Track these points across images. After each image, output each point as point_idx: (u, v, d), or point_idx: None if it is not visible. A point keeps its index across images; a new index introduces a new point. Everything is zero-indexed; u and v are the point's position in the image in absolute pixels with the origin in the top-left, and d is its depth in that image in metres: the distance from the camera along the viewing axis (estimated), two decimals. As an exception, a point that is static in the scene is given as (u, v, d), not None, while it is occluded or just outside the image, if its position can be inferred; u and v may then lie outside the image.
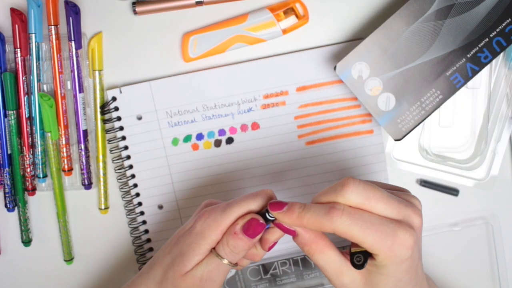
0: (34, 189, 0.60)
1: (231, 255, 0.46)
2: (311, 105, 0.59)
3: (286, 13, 0.57)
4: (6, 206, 0.60)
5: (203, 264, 0.47)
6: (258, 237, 0.46)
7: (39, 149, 0.59)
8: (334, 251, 0.45)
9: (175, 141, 0.60)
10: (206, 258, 0.47)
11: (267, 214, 0.46)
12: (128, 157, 0.60)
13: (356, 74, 0.54)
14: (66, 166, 0.59)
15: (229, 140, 0.60)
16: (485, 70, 0.58)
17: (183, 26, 0.58)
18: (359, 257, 0.44)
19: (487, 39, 0.53)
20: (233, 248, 0.46)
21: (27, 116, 0.58)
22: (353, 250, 0.44)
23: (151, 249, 0.61)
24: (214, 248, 0.47)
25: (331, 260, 0.45)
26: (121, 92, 0.59)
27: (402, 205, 0.44)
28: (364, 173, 0.60)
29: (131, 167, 0.60)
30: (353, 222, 0.42)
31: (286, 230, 0.46)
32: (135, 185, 0.60)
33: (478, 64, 0.53)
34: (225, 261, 0.46)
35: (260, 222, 0.46)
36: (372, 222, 0.42)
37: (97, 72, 0.58)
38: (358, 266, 0.44)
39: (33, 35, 0.57)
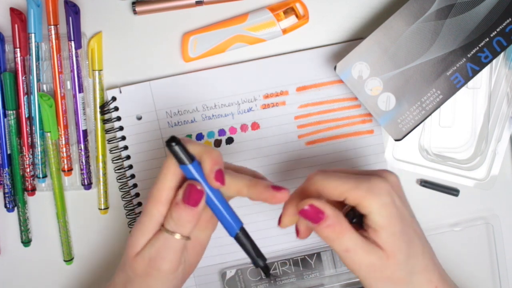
0: (33, 189, 0.60)
1: (178, 228, 0.44)
2: (311, 105, 0.59)
3: (286, 13, 0.57)
4: (5, 206, 0.60)
5: (151, 243, 0.45)
6: (201, 205, 0.43)
7: (38, 149, 0.59)
8: (357, 232, 0.45)
9: (175, 141, 0.60)
10: (154, 236, 0.45)
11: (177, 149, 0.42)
12: (128, 157, 0.60)
13: (356, 74, 0.54)
14: (65, 166, 0.59)
15: (229, 140, 0.60)
16: (486, 70, 0.58)
17: (183, 26, 0.58)
18: (349, 214, 0.46)
19: (487, 39, 0.53)
20: (177, 220, 0.43)
21: (26, 116, 0.58)
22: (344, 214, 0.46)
23: (151, 249, 0.61)
24: (163, 225, 0.44)
25: (358, 240, 0.44)
26: (121, 92, 0.59)
27: (371, 170, 0.48)
28: (364, 173, 0.60)
29: (131, 167, 0.60)
30: (329, 175, 0.45)
31: (314, 214, 0.44)
32: (135, 185, 0.60)
33: (479, 64, 0.53)
34: (177, 236, 0.44)
35: (198, 189, 0.43)
36: (347, 173, 0.46)
37: (96, 72, 0.58)
38: (353, 221, 0.46)
39: (33, 35, 0.57)
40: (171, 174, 0.44)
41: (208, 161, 0.43)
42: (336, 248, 0.45)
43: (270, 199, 0.44)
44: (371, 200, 0.43)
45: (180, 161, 0.42)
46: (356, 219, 0.46)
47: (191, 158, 0.42)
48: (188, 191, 0.43)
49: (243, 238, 0.45)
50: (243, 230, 0.45)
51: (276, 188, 0.44)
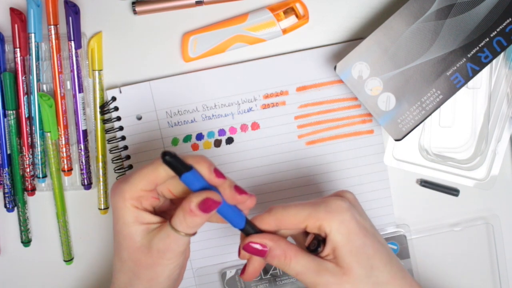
0: (33, 189, 0.60)
1: (189, 229, 0.45)
2: (311, 105, 0.59)
3: (286, 13, 0.57)
4: (5, 206, 0.60)
5: (158, 237, 0.45)
6: (213, 212, 0.45)
7: (38, 149, 0.59)
8: (306, 253, 0.46)
9: (175, 141, 0.60)
10: (162, 230, 0.46)
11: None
12: (128, 157, 0.60)
13: (356, 74, 0.54)
14: (65, 166, 0.59)
15: (229, 140, 0.60)
16: (486, 70, 0.57)
17: (183, 26, 0.58)
18: (313, 243, 0.46)
19: (487, 39, 0.53)
20: (190, 224, 0.45)
21: (26, 116, 0.58)
22: (307, 245, 0.47)
23: (151, 249, 0.61)
24: (170, 221, 0.46)
25: (307, 262, 0.45)
26: (120, 92, 0.59)
27: (328, 196, 0.49)
28: (364, 173, 0.60)
29: (131, 167, 0.60)
30: (286, 206, 0.46)
31: (256, 251, 0.46)
32: (135, 185, 0.60)
33: (479, 64, 0.53)
34: (182, 234, 0.45)
35: (215, 200, 0.44)
36: (304, 202, 0.47)
37: (96, 72, 0.58)
38: (314, 250, 0.46)
39: (33, 35, 0.57)
40: (146, 179, 0.46)
41: (202, 165, 0.45)
42: (289, 273, 0.46)
43: (231, 199, 0.46)
44: (330, 219, 0.45)
45: (179, 172, 0.43)
46: (320, 246, 0.46)
47: (189, 166, 0.44)
48: (206, 202, 0.44)
49: (250, 229, 0.47)
50: (248, 221, 0.47)
51: (239, 190, 0.46)
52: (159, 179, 0.45)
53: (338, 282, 0.45)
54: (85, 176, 0.60)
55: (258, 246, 0.46)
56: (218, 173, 0.45)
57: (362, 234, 0.45)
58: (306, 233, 0.48)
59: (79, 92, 0.58)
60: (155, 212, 0.48)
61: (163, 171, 0.45)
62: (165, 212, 0.49)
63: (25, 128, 0.58)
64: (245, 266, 0.49)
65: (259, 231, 0.47)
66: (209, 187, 0.45)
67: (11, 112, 0.58)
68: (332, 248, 0.45)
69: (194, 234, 0.46)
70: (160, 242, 0.45)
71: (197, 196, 0.44)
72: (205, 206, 0.44)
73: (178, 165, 0.43)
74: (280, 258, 0.46)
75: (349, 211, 0.45)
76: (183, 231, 0.45)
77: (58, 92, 0.58)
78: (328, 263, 0.45)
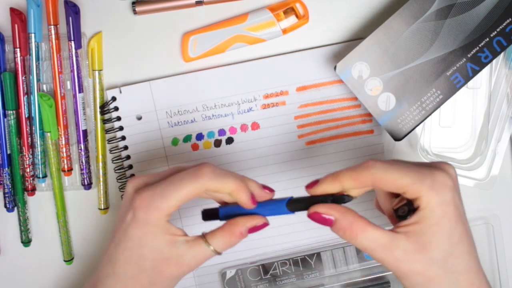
0: (33, 189, 0.60)
1: (223, 249, 0.47)
2: (311, 105, 0.59)
3: (286, 13, 0.57)
4: (5, 206, 0.60)
5: (193, 253, 0.46)
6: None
7: (38, 149, 0.59)
8: (376, 227, 0.43)
9: (175, 141, 0.60)
10: (195, 247, 0.46)
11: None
12: (128, 157, 0.60)
13: (356, 74, 0.54)
14: (65, 166, 0.59)
15: (229, 140, 0.60)
16: (486, 70, 0.57)
17: (183, 26, 0.58)
18: (403, 208, 0.44)
19: (487, 39, 0.53)
20: (231, 245, 0.46)
21: (26, 116, 0.58)
22: (395, 207, 0.45)
23: (151, 249, 0.61)
24: (205, 238, 0.46)
25: (377, 237, 0.43)
26: (121, 92, 0.59)
27: (428, 162, 0.45)
28: (364, 173, 0.60)
29: (131, 167, 0.60)
30: (389, 166, 0.43)
31: (322, 220, 0.44)
32: (135, 185, 0.60)
33: (479, 64, 0.53)
34: (211, 248, 0.46)
35: (265, 224, 0.47)
36: (408, 165, 0.44)
37: (96, 72, 0.58)
38: (403, 217, 0.44)
39: (33, 35, 0.57)
40: (188, 197, 0.46)
41: (242, 196, 0.46)
42: (356, 246, 0.44)
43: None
44: (431, 196, 0.42)
45: (216, 216, 0.48)
46: (409, 215, 0.43)
47: (218, 215, 0.48)
48: (260, 228, 0.47)
49: (298, 203, 0.46)
50: (290, 203, 0.47)
51: (265, 187, 0.47)
52: (197, 195, 0.46)
53: (409, 260, 0.42)
54: (85, 176, 0.60)
55: (323, 216, 0.44)
56: (254, 201, 0.47)
57: (454, 220, 0.42)
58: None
59: (79, 92, 0.58)
60: None
61: (203, 188, 0.45)
62: None
63: (25, 128, 0.58)
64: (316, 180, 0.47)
65: (308, 200, 0.45)
66: (253, 211, 0.47)
67: (11, 112, 0.58)
68: (418, 221, 0.42)
69: (221, 253, 0.47)
70: (194, 259, 0.46)
71: (249, 221, 0.46)
72: (255, 230, 0.46)
73: (211, 214, 0.48)
74: (346, 231, 0.43)
75: (452, 192, 0.42)
76: (219, 249, 0.46)
77: (58, 92, 0.58)
78: (401, 239, 0.43)
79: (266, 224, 0.47)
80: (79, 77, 0.58)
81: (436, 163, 0.45)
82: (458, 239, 0.43)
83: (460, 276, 0.43)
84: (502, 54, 0.55)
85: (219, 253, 0.47)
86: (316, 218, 0.44)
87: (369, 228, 0.43)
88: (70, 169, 0.60)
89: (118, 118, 0.59)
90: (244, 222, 0.46)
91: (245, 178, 0.47)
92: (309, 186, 0.46)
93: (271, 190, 0.48)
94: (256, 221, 0.46)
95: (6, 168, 0.59)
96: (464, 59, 0.53)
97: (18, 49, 0.57)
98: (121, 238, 0.47)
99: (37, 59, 0.57)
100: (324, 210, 0.44)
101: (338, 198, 0.44)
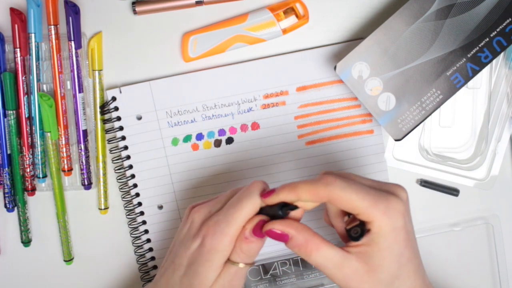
0: (33, 189, 0.60)
1: (247, 259, 0.47)
2: (311, 105, 0.59)
3: (286, 13, 0.57)
4: (5, 206, 0.60)
5: (222, 277, 0.46)
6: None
7: (38, 149, 0.59)
8: (330, 246, 0.45)
9: (175, 141, 0.60)
10: (224, 271, 0.46)
11: (280, 212, 0.45)
12: (128, 157, 0.60)
13: (356, 74, 0.54)
14: (65, 166, 0.59)
15: (229, 140, 0.60)
16: (486, 70, 0.58)
17: (183, 26, 0.58)
18: (355, 229, 0.45)
19: (487, 39, 0.53)
20: (247, 252, 0.46)
21: (26, 116, 0.58)
22: (348, 227, 0.45)
23: (151, 249, 0.61)
24: (229, 258, 0.47)
25: (330, 255, 0.44)
26: (121, 92, 0.59)
27: (383, 183, 0.46)
28: (364, 173, 0.60)
29: (131, 167, 0.60)
30: (347, 185, 0.43)
31: (278, 236, 0.45)
32: (135, 185, 0.60)
33: (479, 64, 0.53)
34: (241, 265, 0.46)
35: (263, 220, 0.46)
36: (364, 188, 0.44)
37: (96, 72, 0.58)
38: (356, 238, 0.44)
39: (33, 35, 0.57)
40: (243, 217, 0.46)
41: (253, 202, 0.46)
42: (309, 262, 0.46)
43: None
44: (385, 223, 0.43)
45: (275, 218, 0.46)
46: (362, 236, 0.45)
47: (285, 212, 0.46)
48: (259, 226, 0.46)
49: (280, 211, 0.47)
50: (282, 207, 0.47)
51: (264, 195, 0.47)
52: (255, 212, 0.47)
53: (358, 279, 0.44)
54: (85, 176, 0.60)
55: (278, 231, 0.45)
56: (265, 195, 0.46)
57: (404, 244, 0.44)
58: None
59: (79, 92, 0.58)
60: None
61: (258, 204, 0.46)
62: None
63: (25, 128, 0.58)
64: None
65: (261, 210, 0.47)
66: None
67: (11, 112, 0.58)
68: (370, 243, 0.44)
69: (253, 263, 0.47)
70: (225, 280, 0.46)
71: (250, 223, 0.46)
72: (259, 230, 0.45)
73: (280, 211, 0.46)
74: (301, 248, 0.45)
75: (403, 219, 0.44)
76: (242, 261, 0.46)
77: (58, 92, 0.58)
78: (352, 259, 0.44)
79: (262, 221, 0.46)
80: (79, 77, 0.58)
81: (390, 185, 0.46)
82: (406, 261, 0.45)
83: None
84: (502, 54, 0.55)
85: (250, 264, 0.47)
86: (272, 234, 0.45)
87: (323, 245, 0.45)
88: (70, 169, 0.60)
89: (118, 118, 0.59)
90: (246, 225, 0.46)
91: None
92: (264, 196, 0.46)
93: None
94: (254, 220, 0.46)
95: (6, 168, 0.59)
96: (464, 59, 0.53)
97: (18, 49, 0.57)
98: (182, 263, 0.48)
99: (37, 59, 0.57)
100: (281, 227, 0.45)
101: (289, 207, 0.46)
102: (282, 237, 0.45)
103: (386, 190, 0.45)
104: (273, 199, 0.46)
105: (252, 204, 0.46)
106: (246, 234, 0.46)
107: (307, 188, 0.45)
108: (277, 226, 0.45)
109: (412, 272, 0.45)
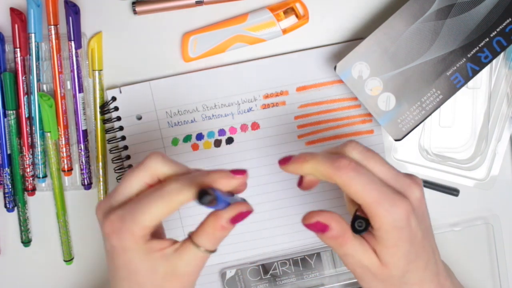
0: (33, 189, 0.60)
1: (215, 246, 0.44)
2: (311, 105, 0.59)
3: (286, 13, 0.57)
4: (5, 206, 0.60)
5: (186, 260, 0.43)
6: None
7: (38, 149, 0.59)
8: (356, 236, 0.45)
9: (175, 141, 0.60)
10: (184, 253, 0.43)
11: (357, 226, 0.44)
12: (128, 157, 0.60)
13: (356, 74, 0.54)
14: (65, 166, 0.59)
15: (229, 140, 0.60)
16: (486, 70, 0.57)
17: (183, 26, 0.58)
18: (360, 222, 0.44)
19: (487, 39, 0.53)
20: (219, 239, 0.44)
21: (26, 116, 0.58)
22: (358, 214, 0.45)
23: (151, 249, 0.61)
24: (191, 239, 0.44)
25: (358, 245, 0.44)
26: (121, 92, 0.59)
27: (400, 174, 0.45)
28: (364, 173, 0.60)
29: (131, 167, 0.60)
30: (357, 176, 0.42)
31: (319, 227, 0.44)
32: (135, 185, 0.60)
33: (479, 64, 0.53)
34: (203, 249, 0.43)
35: (248, 211, 0.44)
36: (375, 181, 0.43)
37: (96, 72, 0.58)
38: (359, 231, 0.44)
39: (33, 34, 0.57)
40: (165, 213, 0.42)
41: (220, 180, 0.43)
42: (336, 252, 0.46)
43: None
44: (385, 220, 0.43)
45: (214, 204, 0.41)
46: (367, 230, 0.45)
47: (213, 194, 0.41)
48: (240, 216, 0.43)
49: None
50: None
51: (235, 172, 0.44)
52: (173, 211, 0.42)
53: (375, 270, 0.44)
54: (85, 176, 0.60)
55: (319, 223, 0.44)
56: (236, 172, 0.43)
57: (409, 242, 0.44)
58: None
59: (79, 92, 0.58)
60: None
61: (178, 203, 0.42)
62: None
63: (25, 128, 0.58)
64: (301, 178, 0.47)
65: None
66: (236, 199, 0.44)
67: (11, 112, 0.58)
68: (378, 240, 0.44)
69: (215, 250, 0.45)
70: (188, 265, 0.44)
71: (229, 212, 0.43)
72: (237, 219, 0.43)
73: (214, 201, 0.40)
74: (338, 239, 0.44)
75: (407, 220, 0.43)
76: (211, 247, 0.44)
77: (58, 92, 0.58)
78: (371, 252, 0.44)
79: (249, 212, 0.44)
80: (79, 77, 0.58)
81: (404, 181, 0.45)
82: (414, 257, 0.45)
83: (411, 287, 0.45)
84: (502, 54, 0.55)
85: (212, 251, 0.44)
86: (315, 225, 0.44)
87: (354, 239, 0.44)
88: (70, 169, 0.60)
89: (118, 118, 0.59)
90: (223, 214, 0.43)
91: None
92: (282, 162, 0.46)
93: (239, 172, 0.44)
94: (235, 210, 0.43)
95: (6, 168, 0.59)
96: (464, 59, 0.53)
97: (18, 49, 0.57)
98: (112, 269, 0.45)
99: (37, 59, 0.57)
100: (326, 219, 0.44)
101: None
102: (322, 229, 0.44)
103: (398, 187, 0.44)
104: (289, 168, 0.45)
105: (162, 203, 0.42)
106: (223, 223, 0.42)
107: (319, 166, 0.43)
108: (322, 218, 0.44)
109: (422, 267, 0.45)
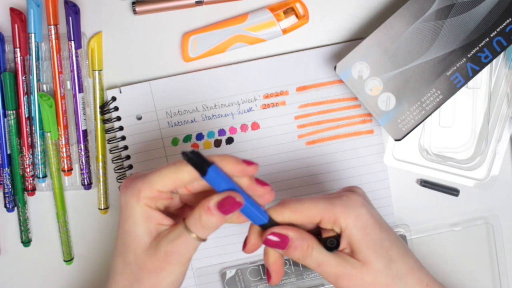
0: (33, 189, 0.60)
1: (202, 230, 0.43)
2: (311, 105, 0.59)
3: (286, 13, 0.57)
4: (5, 206, 0.60)
5: (168, 238, 0.43)
6: (231, 214, 0.43)
7: (38, 149, 0.59)
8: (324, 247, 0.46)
9: (175, 141, 0.60)
10: (172, 231, 0.44)
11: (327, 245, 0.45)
12: (128, 157, 0.60)
13: (356, 74, 0.54)
14: (65, 166, 0.59)
15: (229, 140, 0.60)
16: (486, 70, 0.57)
17: (183, 26, 0.58)
18: (331, 240, 0.45)
19: (487, 39, 0.53)
20: (205, 224, 0.43)
21: (26, 116, 0.58)
22: (324, 236, 0.45)
23: (151, 249, 0.61)
24: (184, 221, 0.44)
25: (328, 253, 0.45)
26: (120, 92, 0.59)
27: (337, 191, 0.49)
28: (364, 173, 0.60)
29: (131, 167, 0.60)
30: (301, 199, 0.46)
31: (276, 243, 0.45)
32: (135, 185, 0.60)
33: (479, 64, 0.53)
34: (193, 235, 0.43)
35: (236, 201, 0.43)
36: (317, 196, 0.46)
37: (96, 72, 0.58)
38: (331, 248, 0.45)
39: (33, 34, 0.57)
40: (168, 176, 0.43)
41: (227, 160, 0.43)
42: (309, 266, 0.46)
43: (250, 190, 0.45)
44: (347, 214, 0.44)
45: (201, 169, 0.41)
46: (339, 245, 0.45)
47: (210, 162, 0.42)
48: (226, 201, 0.43)
49: (270, 224, 0.46)
50: (270, 220, 0.46)
51: (260, 182, 0.45)
52: (180, 181, 0.43)
53: (359, 273, 0.44)
54: (85, 176, 0.60)
55: (276, 238, 0.45)
56: (248, 161, 0.43)
57: (378, 228, 0.45)
58: (316, 229, 0.47)
59: (79, 92, 0.58)
60: (166, 213, 0.45)
61: (186, 173, 0.42)
62: (174, 215, 0.47)
63: (25, 128, 0.58)
64: (267, 270, 0.48)
65: (277, 225, 0.46)
66: (234, 188, 0.43)
67: (11, 112, 0.58)
68: (348, 243, 0.45)
69: (205, 239, 0.44)
70: (170, 243, 0.43)
71: (219, 195, 0.43)
72: (225, 207, 0.42)
73: (200, 162, 0.41)
74: (302, 248, 0.45)
75: (365, 206, 0.45)
76: (196, 232, 0.43)
77: (58, 92, 0.58)
78: (347, 256, 0.45)
79: (238, 203, 0.43)
80: (79, 77, 0.58)
81: (344, 188, 0.49)
82: (390, 244, 0.45)
83: (406, 277, 0.45)
84: (502, 54, 0.55)
85: (202, 239, 0.44)
86: (274, 240, 0.45)
87: (319, 244, 0.45)
88: (70, 169, 0.60)
89: (118, 118, 0.59)
90: (214, 196, 0.43)
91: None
92: (244, 247, 0.48)
93: (250, 163, 0.44)
94: (224, 194, 0.42)
95: (6, 168, 0.59)
96: (464, 59, 0.53)
97: (18, 49, 0.57)
98: (117, 228, 0.46)
99: (37, 59, 0.57)
100: (281, 230, 0.45)
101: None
102: (282, 242, 0.45)
103: (339, 193, 0.47)
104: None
105: (175, 167, 0.43)
106: (210, 204, 0.42)
107: (273, 214, 0.46)
108: (277, 230, 0.45)
109: (403, 253, 0.46)
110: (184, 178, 0.43)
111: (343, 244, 0.45)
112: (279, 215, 0.46)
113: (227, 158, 0.43)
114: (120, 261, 0.46)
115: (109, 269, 0.47)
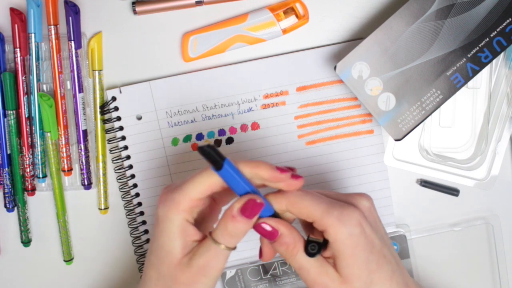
0: (33, 189, 0.60)
1: (230, 239, 0.44)
2: (311, 105, 0.59)
3: (286, 13, 0.57)
4: (5, 206, 0.60)
5: (199, 253, 0.44)
6: (257, 217, 0.44)
7: (38, 149, 0.59)
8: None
9: (175, 141, 0.60)
10: (202, 245, 0.45)
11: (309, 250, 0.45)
12: (128, 157, 0.60)
13: (356, 74, 0.54)
14: (65, 166, 0.59)
15: (229, 140, 0.60)
16: (486, 70, 0.58)
17: (183, 26, 0.58)
18: (313, 245, 0.45)
19: (487, 39, 0.53)
20: (232, 232, 0.44)
21: (26, 116, 0.58)
22: (310, 238, 0.45)
23: (151, 249, 0.61)
24: (210, 234, 0.45)
25: (313, 259, 0.45)
26: (121, 92, 0.59)
27: (347, 194, 0.47)
28: (364, 173, 0.60)
29: (131, 167, 0.60)
30: (303, 194, 0.45)
31: (267, 233, 0.45)
32: (135, 185, 0.60)
33: (479, 64, 0.53)
34: (222, 246, 0.44)
35: (257, 202, 0.44)
36: (321, 197, 0.45)
37: (96, 72, 0.58)
38: (312, 254, 0.44)
39: (33, 34, 0.57)
40: (202, 184, 0.44)
41: (262, 166, 0.44)
42: (291, 264, 0.46)
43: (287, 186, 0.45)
44: (339, 229, 0.43)
45: (216, 163, 0.42)
46: (320, 252, 0.45)
47: (224, 157, 0.43)
48: (248, 205, 0.44)
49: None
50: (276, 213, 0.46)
51: (294, 176, 0.45)
52: (215, 186, 0.44)
53: (336, 286, 0.44)
54: (85, 176, 0.60)
55: (268, 228, 0.45)
56: (282, 169, 0.44)
57: (368, 250, 0.44)
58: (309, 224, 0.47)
59: (79, 92, 0.58)
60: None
61: (217, 178, 0.44)
62: (201, 224, 0.48)
63: (25, 128, 0.58)
64: (260, 248, 0.48)
65: (278, 217, 0.46)
66: (252, 189, 0.44)
67: (11, 112, 0.58)
68: (333, 254, 0.44)
69: (234, 248, 0.45)
70: (201, 258, 0.44)
71: (239, 201, 0.44)
72: (248, 211, 0.43)
73: (214, 156, 0.42)
74: (288, 247, 0.45)
75: (360, 226, 0.44)
76: (225, 242, 0.44)
77: (58, 92, 0.58)
78: (329, 267, 0.45)
79: (260, 204, 0.44)
80: (79, 77, 0.58)
81: (352, 195, 0.47)
82: (376, 267, 0.44)
83: None
84: (502, 54, 0.55)
85: (232, 249, 0.45)
86: (261, 230, 0.45)
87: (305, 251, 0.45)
88: (70, 169, 0.60)
89: (118, 118, 0.59)
90: (235, 203, 0.44)
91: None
92: (261, 255, 0.48)
93: (284, 170, 0.45)
94: (244, 199, 0.43)
95: (6, 168, 0.59)
96: (464, 59, 0.53)
97: (18, 49, 0.57)
98: (151, 240, 0.47)
99: (37, 59, 0.57)
100: (272, 222, 0.45)
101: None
102: (271, 234, 0.45)
103: (345, 200, 0.46)
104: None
105: (207, 173, 0.44)
106: (233, 212, 0.43)
107: (273, 199, 0.46)
108: (269, 221, 0.45)
109: (386, 277, 0.45)
110: (217, 181, 0.44)
111: (328, 253, 0.45)
112: (277, 203, 0.45)
113: (263, 167, 0.44)
114: (154, 273, 0.46)
115: (142, 279, 0.48)
